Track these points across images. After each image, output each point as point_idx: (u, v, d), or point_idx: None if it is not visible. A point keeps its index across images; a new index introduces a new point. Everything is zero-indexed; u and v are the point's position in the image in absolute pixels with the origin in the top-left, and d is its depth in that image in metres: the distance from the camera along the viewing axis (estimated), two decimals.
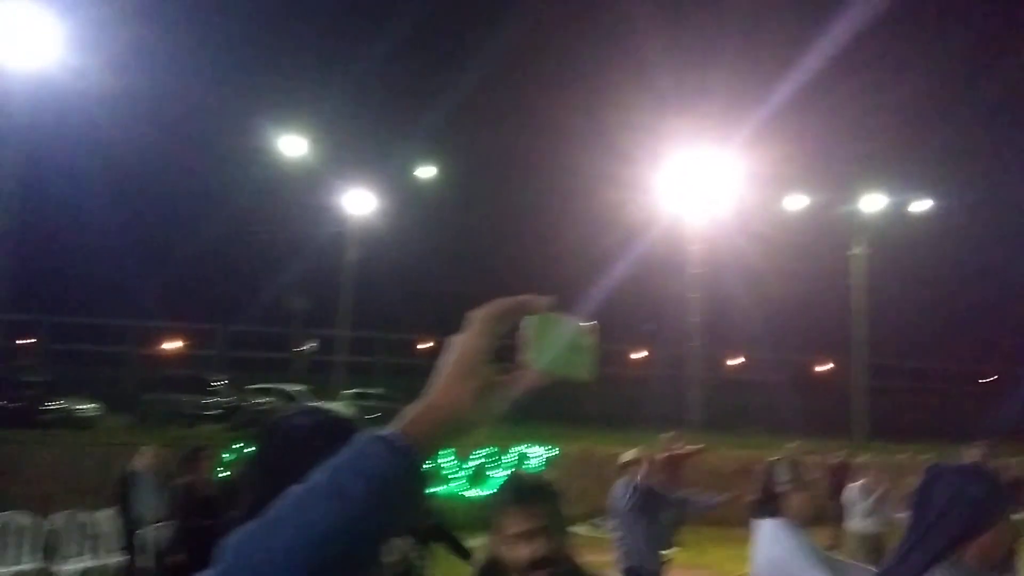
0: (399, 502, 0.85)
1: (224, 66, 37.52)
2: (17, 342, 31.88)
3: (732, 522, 15.41)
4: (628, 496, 6.12)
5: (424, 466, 0.88)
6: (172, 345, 37.12)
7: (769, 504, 3.97)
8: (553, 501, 2.14)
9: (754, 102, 24.18)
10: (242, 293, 32.13)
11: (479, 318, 0.95)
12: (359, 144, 31.13)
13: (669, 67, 34.65)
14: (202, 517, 6.64)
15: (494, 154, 37.08)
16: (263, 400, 21.19)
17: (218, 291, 34.70)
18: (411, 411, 0.91)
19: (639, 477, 6.25)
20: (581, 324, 1.00)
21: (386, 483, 0.84)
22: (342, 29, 48.74)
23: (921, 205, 27.39)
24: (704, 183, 22.58)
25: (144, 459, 9.37)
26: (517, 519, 2.06)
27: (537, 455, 15.96)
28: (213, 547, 0.84)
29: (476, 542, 3.19)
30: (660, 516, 6.31)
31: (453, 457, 14.38)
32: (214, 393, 21.24)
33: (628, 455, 6.85)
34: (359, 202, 27.32)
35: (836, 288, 29.40)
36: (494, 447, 15.29)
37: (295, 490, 0.85)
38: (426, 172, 29.23)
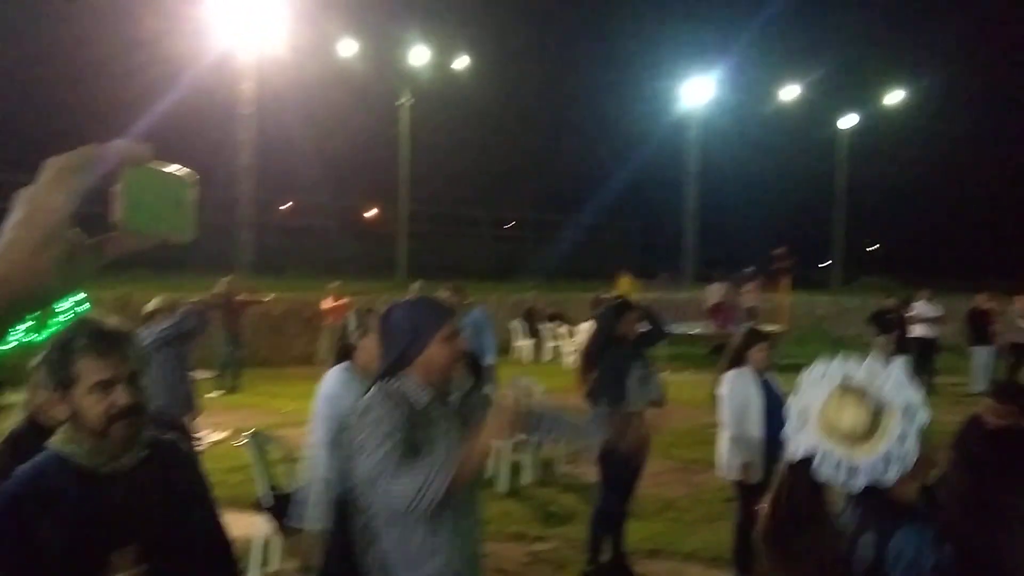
0: None
1: None
2: None
3: (281, 363, 15.91)
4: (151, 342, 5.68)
5: None
6: None
7: (342, 353, 4.10)
8: (133, 346, 2.00)
9: None
10: None
11: (55, 168, 0.76)
12: None
13: None
14: None
15: None
16: None
17: None
18: None
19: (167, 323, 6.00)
20: (180, 176, 0.85)
21: None
22: None
23: (462, 61, 29.12)
24: (254, 16, 21.43)
25: None
26: (98, 367, 1.90)
27: (64, 308, 14.60)
28: None
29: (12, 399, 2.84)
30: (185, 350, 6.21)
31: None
32: None
33: (152, 304, 6.56)
34: None
35: (386, 136, 30.51)
36: None
37: None
38: None
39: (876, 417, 1.86)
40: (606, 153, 43.82)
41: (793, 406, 2.00)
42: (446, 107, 33.84)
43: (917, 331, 14.54)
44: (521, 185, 45.05)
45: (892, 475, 1.86)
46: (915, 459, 1.86)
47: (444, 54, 28.56)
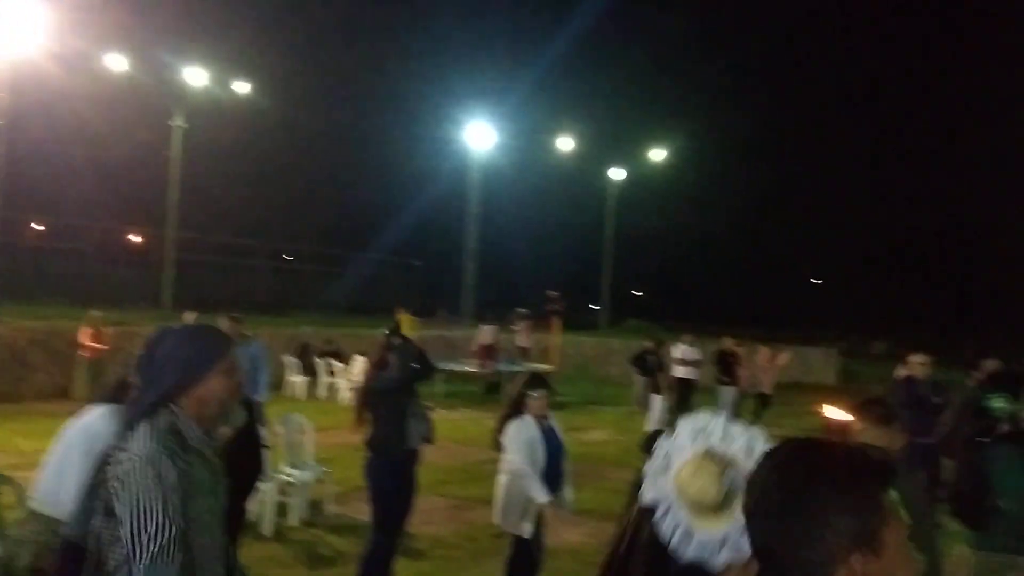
0: None
1: None
2: None
3: (24, 398, 14.48)
4: None
5: None
6: None
7: (117, 390, 3.75)
8: None
9: None
10: None
11: None
12: None
13: None
14: None
15: None
16: None
17: None
18: None
19: None
20: None
21: None
22: None
23: (242, 86, 28.19)
24: (5, 22, 19.62)
25: None
26: None
27: None
28: None
29: None
30: None
31: None
32: None
33: None
34: None
35: (155, 157, 28.86)
36: None
37: None
38: None
39: (729, 496, 1.78)
40: (391, 190, 43.97)
41: (661, 447, 1.91)
42: (224, 133, 32.60)
43: (680, 372, 15.56)
44: (301, 218, 44.12)
45: (721, 559, 1.77)
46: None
47: (223, 77, 27.55)
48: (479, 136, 31.00)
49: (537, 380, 5.55)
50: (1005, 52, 65.30)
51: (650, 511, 1.86)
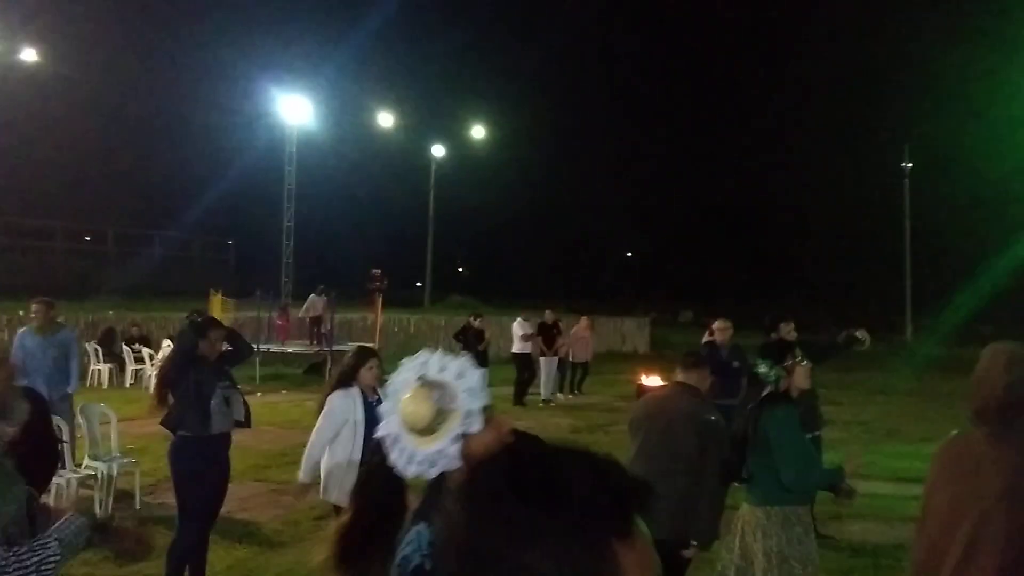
0: None
1: None
2: None
3: None
4: None
5: None
6: None
7: None
8: None
9: None
10: None
11: None
12: None
13: None
14: None
15: None
16: None
17: None
18: None
19: None
20: None
21: None
22: None
23: (30, 54, 26.00)
24: None
25: None
26: None
27: None
28: None
29: None
30: None
31: None
32: None
33: None
34: None
35: None
36: None
37: None
38: None
39: (440, 417, 1.93)
40: (202, 167, 41.88)
41: (389, 385, 2.04)
42: (13, 106, 29.99)
43: (517, 347, 15.85)
44: (103, 197, 41.31)
45: (437, 471, 1.93)
46: (461, 458, 1.93)
47: (12, 46, 25.28)
48: (294, 110, 30.03)
49: (368, 351, 5.45)
50: (798, 29, 70.32)
51: (381, 444, 2.01)
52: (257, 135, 34.18)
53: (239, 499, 7.55)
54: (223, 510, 5.82)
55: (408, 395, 1.98)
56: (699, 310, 45.41)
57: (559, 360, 16.21)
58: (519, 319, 16.53)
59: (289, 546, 6.68)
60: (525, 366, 15.60)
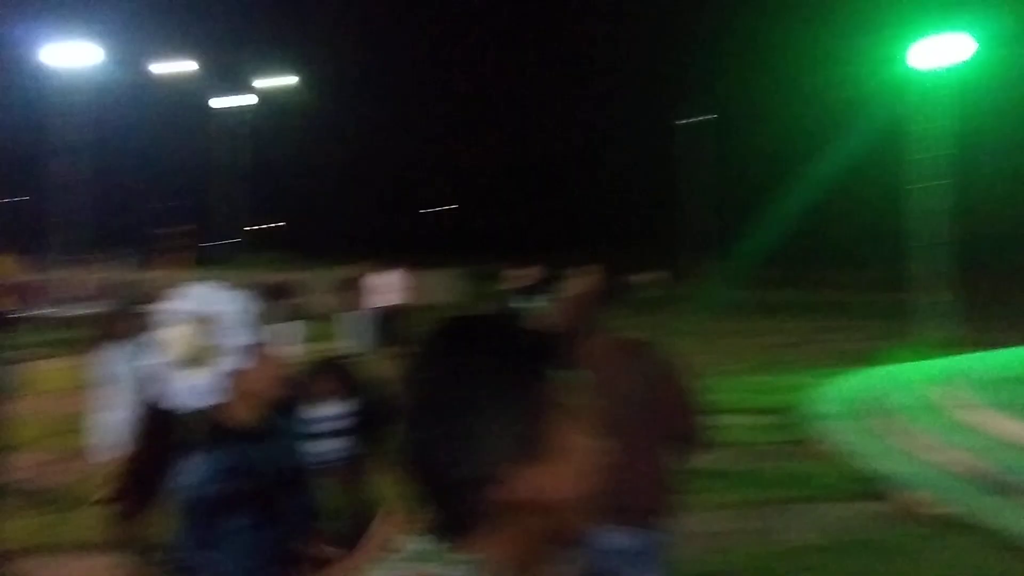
0: None
1: None
2: None
3: None
4: None
5: None
6: None
7: None
8: None
9: None
10: None
11: None
12: None
13: None
14: None
15: None
16: None
17: None
18: None
19: None
20: None
21: None
22: None
23: None
24: None
25: None
26: None
27: None
28: None
29: None
30: None
31: None
32: None
33: None
34: None
35: None
36: None
37: None
38: None
39: (208, 349, 1.98)
40: None
41: (157, 321, 2.05)
42: None
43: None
44: None
45: (206, 401, 1.99)
46: (232, 391, 2.00)
47: None
48: (79, 55, 27.88)
49: (125, 307, 5.35)
50: None
51: (151, 380, 2.06)
52: (45, 85, 31.58)
53: (26, 468, 7.31)
54: (17, 477, 5.65)
55: (175, 328, 2.00)
56: (514, 261, 46.48)
57: (369, 315, 16.32)
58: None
59: (77, 512, 6.55)
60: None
